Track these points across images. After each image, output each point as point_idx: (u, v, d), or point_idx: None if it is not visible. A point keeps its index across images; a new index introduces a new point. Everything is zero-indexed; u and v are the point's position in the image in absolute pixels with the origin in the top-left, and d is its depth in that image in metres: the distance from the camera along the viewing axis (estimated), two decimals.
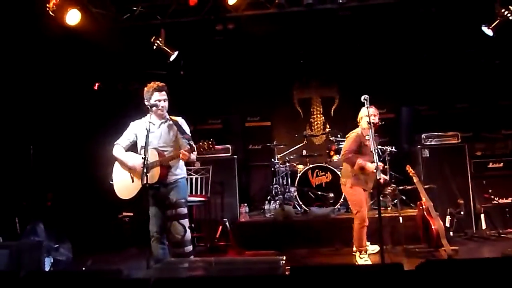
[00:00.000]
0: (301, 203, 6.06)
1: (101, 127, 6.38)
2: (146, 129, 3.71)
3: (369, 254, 4.71)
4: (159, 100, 3.91)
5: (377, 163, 3.51)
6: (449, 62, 7.02)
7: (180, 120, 4.04)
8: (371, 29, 6.65)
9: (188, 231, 3.82)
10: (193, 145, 3.63)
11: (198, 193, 5.92)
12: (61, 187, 6.39)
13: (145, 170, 3.51)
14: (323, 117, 7.87)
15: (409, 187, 5.51)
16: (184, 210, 3.84)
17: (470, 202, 5.88)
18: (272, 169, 6.75)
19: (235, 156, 6.43)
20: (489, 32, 5.60)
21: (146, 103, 3.92)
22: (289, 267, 2.29)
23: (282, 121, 7.89)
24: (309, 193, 6.09)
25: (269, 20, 6.14)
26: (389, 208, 5.95)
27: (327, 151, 6.83)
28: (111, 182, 4.03)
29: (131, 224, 6.19)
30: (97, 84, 6.93)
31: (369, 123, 3.90)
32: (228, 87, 7.60)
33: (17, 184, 5.75)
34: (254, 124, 7.88)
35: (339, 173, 6.06)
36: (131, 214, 6.25)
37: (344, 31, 6.74)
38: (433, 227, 4.70)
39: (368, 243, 4.74)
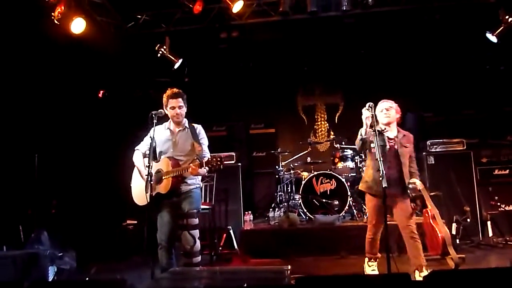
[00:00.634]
0: (305, 210, 6.03)
1: (105, 135, 6.41)
2: (150, 137, 3.70)
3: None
4: (173, 108, 3.88)
5: (382, 171, 3.44)
6: (454, 69, 7.02)
7: (199, 128, 4.01)
8: (375, 36, 6.65)
9: (198, 242, 3.76)
10: (203, 160, 3.59)
11: (202, 200, 5.89)
12: (65, 195, 6.39)
13: (149, 180, 3.50)
14: (327, 124, 7.86)
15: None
16: (196, 221, 3.79)
17: (476, 209, 5.84)
18: (277, 176, 6.73)
19: (240, 163, 6.42)
20: (493, 38, 5.59)
21: (164, 110, 3.91)
22: (294, 277, 2.27)
23: (286, 128, 7.89)
24: (314, 200, 6.06)
25: (273, 27, 6.16)
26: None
27: (332, 158, 6.80)
28: (130, 185, 4.04)
29: (135, 232, 6.17)
30: (101, 92, 6.98)
31: (372, 127, 3.67)
32: (232, 94, 7.62)
33: (22, 192, 5.76)
34: (258, 131, 7.88)
35: (343, 180, 6.05)
36: (135, 222, 6.24)
37: (348, 38, 6.75)
38: (439, 234, 4.65)
39: None
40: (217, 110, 7.71)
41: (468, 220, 5.57)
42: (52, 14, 5.12)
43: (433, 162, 5.99)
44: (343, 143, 6.53)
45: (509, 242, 5.58)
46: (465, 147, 5.99)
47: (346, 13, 5.59)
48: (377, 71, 7.20)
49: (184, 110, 3.94)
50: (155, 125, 3.78)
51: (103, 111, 6.80)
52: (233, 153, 6.41)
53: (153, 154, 3.65)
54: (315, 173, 6.21)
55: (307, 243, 5.54)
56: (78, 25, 5.32)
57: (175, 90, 3.93)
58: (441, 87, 6.96)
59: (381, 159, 3.47)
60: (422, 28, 6.11)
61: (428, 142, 6.06)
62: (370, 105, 3.70)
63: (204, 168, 3.64)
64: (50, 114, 6.34)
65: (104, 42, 5.91)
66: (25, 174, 5.74)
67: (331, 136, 7.52)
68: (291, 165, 6.60)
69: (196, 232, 3.78)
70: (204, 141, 3.97)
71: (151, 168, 3.58)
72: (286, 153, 6.79)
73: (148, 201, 3.56)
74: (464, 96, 7.14)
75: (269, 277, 2.72)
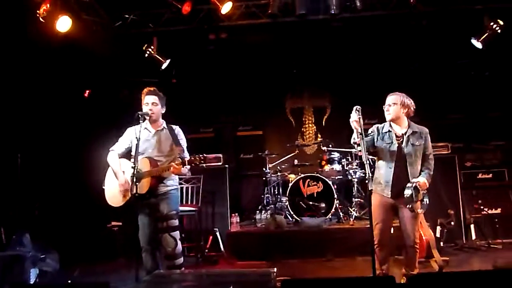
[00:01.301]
0: (292, 213, 6.03)
1: (90, 135, 6.32)
2: (136, 137, 3.63)
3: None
4: (147, 104, 3.83)
5: (369, 174, 3.45)
6: (439, 74, 7.11)
7: (177, 129, 3.96)
8: (363, 40, 6.70)
9: (179, 243, 3.75)
10: (185, 159, 3.55)
11: (189, 202, 5.87)
12: (48, 196, 6.28)
13: (134, 179, 3.45)
14: (315, 127, 7.89)
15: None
16: (175, 222, 3.77)
17: (460, 212, 5.91)
18: (264, 178, 6.73)
19: (227, 166, 6.40)
20: (478, 44, 5.68)
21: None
22: (280, 279, 2.26)
23: (274, 130, 7.90)
24: (301, 203, 6.07)
25: (262, 30, 6.16)
26: None
27: (319, 161, 6.83)
28: (103, 187, 3.95)
29: (120, 234, 6.10)
30: (87, 92, 6.88)
31: (359, 132, 3.54)
32: (220, 96, 7.60)
33: (4, 193, 5.64)
34: (246, 133, 7.88)
35: (330, 183, 6.07)
36: (120, 223, 6.17)
37: (336, 42, 6.79)
38: (424, 237, 4.70)
39: None
40: (204, 111, 7.68)
41: (452, 223, 5.65)
42: (37, 11, 5.03)
43: None
44: (330, 146, 6.56)
45: (492, 245, 5.67)
46: (449, 151, 6.06)
47: (335, 17, 5.62)
48: (365, 75, 7.25)
49: (158, 108, 3.87)
50: (132, 126, 3.78)
51: (88, 111, 6.71)
52: (220, 155, 6.37)
53: (134, 154, 3.59)
54: (302, 175, 6.22)
55: (294, 246, 5.56)
56: (63, 24, 5.23)
57: (151, 88, 3.89)
58: (427, 92, 7.03)
59: (367, 161, 3.46)
60: (409, 33, 6.17)
61: None
62: (358, 108, 3.68)
63: (186, 167, 3.60)
64: (33, 113, 6.22)
65: (90, 41, 5.82)
66: (7, 174, 5.63)
67: (319, 139, 7.55)
68: (278, 168, 6.60)
69: (177, 234, 3.75)
70: (183, 142, 3.92)
71: (136, 168, 3.52)
72: (274, 156, 6.80)
73: (134, 200, 3.51)
74: (450, 101, 7.24)
75: (255, 279, 2.71)
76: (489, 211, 5.92)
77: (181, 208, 5.18)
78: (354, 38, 6.63)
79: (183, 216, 5.77)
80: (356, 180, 6.32)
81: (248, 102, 7.67)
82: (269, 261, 5.32)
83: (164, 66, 6.08)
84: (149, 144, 3.85)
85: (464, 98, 7.18)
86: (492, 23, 5.50)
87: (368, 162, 3.48)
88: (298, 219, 5.99)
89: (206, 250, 5.84)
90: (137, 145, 3.61)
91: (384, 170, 3.89)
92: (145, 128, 3.88)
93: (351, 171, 6.34)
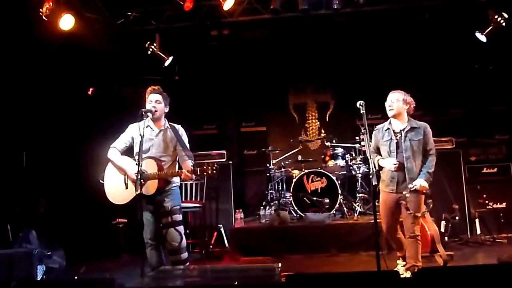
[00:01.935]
0: (296, 208, 6.04)
1: (95, 133, 6.34)
2: (140, 134, 3.62)
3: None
4: (150, 101, 3.84)
5: (373, 169, 3.48)
6: (443, 68, 7.06)
7: (180, 130, 3.96)
8: (365, 35, 6.67)
9: (184, 238, 3.78)
10: (197, 168, 3.56)
11: (193, 199, 5.89)
12: (54, 194, 6.33)
13: (139, 178, 3.45)
14: (318, 122, 7.88)
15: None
16: (180, 217, 3.80)
17: (465, 207, 5.90)
18: (267, 174, 6.74)
19: (230, 162, 6.42)
20: (482, 38, 5.64)
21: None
22: (284, 275, 2.27)
23: (277, 126, 7.89)
24: (305, 198, 6.07)
25: (264, 25, 6.15)
26: None
27: (322, 156, 6.82)
28: (101, 181, 3.92)
29: (125, 231, 6.14)
30: (91, 89, 6.91)
31: (363, 127, 3.68)
32: (223, 92, 7.59)
33: (10, 191, 5.68)
34: (249, 129, 7.88)
35: (334, 178, 6.07)
36: (125, 220, 6.21)
37: (339, 37, 6.76)
38: (428, 232, 4.70)
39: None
40: (207, 108, 7.67)
41: (457, 218, 5.64)
42: (40, 10, 5.05)
43: None
44: (334, 141, 6.55)
45: (496, 240, 5.66)
46: (454, 146, 6.04)
47: (337, 12, 5.59)
48: (367, 70, 7.22)
49: (162, 106, 3.88)
50: (134, 123, 3.78)
51: (92, 109, 6.73)
52: (224, 152, 6.41)
53: (139, 152, 3.60)
54: (306, 171, 6.22)
55: (298, 241, 5.57)
56: (66, 22, 5.25)
57: (156, 86, 3.91)
58: (431, 86, 7.00)
59: (371, 156, 3.49)
60: (412, 27, 6.14)
61: None
62: (361, 104, 3.71)
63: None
64: (38, 111, 6.26)
65: (93, 39, 5.84)
66: (13, 172, 5.67)
67: (322, 135, 7.54)
68: (282, 163, 6.60)
69: (182, 228, 3.78)
70: (186, 142, 3.93)
71: (141, 165, 3.52)
72: (277, 151, 6.79)
73: (138, 198, 3.52)
74: (453, 95, 7.20)
75: (259, 275, 2.72)
76: (494, 206, 5.91)
77: (186, 205, 5.23)
78: (356, 33, 6.61)
79: (187, 213, 5.79)
80: (360, 175, 6.31)
81: (251, 98, 7.66)
82: (273, 257, 5.35)
83: (167, 63, 6.09)
84: (152, 143, 3.85)
85: (467, 92, 7.14)
86: (497, 16, 5.46)
87: (371, 156, 3.52)
88: (302, 214, 5.99)
89: (211, 246, 5.87)
90: (141, 142, 3.61)
91: (389, 169, 3.98)
92: (148, 126, 3.89)
93: (355, 166, 6.33)
